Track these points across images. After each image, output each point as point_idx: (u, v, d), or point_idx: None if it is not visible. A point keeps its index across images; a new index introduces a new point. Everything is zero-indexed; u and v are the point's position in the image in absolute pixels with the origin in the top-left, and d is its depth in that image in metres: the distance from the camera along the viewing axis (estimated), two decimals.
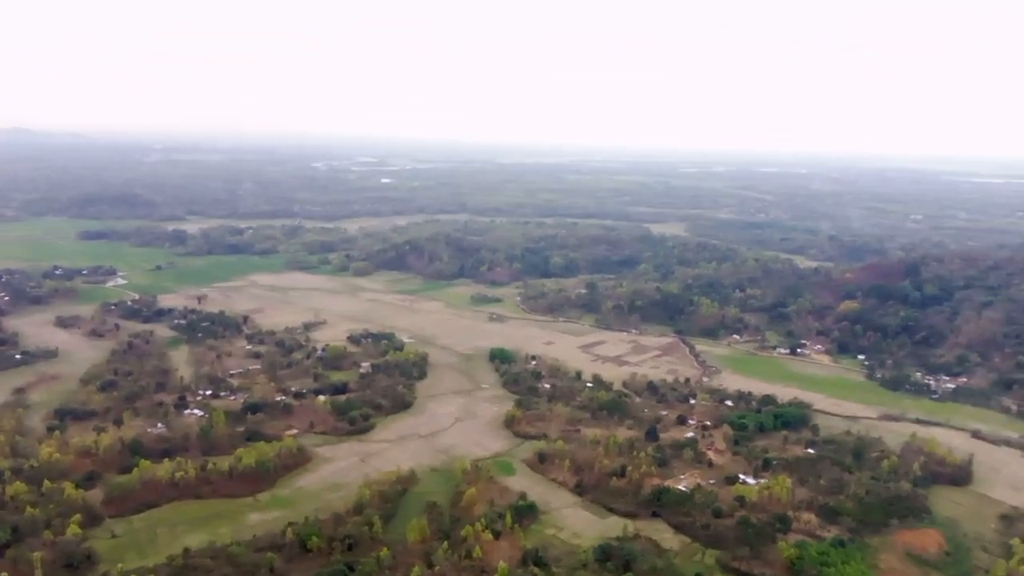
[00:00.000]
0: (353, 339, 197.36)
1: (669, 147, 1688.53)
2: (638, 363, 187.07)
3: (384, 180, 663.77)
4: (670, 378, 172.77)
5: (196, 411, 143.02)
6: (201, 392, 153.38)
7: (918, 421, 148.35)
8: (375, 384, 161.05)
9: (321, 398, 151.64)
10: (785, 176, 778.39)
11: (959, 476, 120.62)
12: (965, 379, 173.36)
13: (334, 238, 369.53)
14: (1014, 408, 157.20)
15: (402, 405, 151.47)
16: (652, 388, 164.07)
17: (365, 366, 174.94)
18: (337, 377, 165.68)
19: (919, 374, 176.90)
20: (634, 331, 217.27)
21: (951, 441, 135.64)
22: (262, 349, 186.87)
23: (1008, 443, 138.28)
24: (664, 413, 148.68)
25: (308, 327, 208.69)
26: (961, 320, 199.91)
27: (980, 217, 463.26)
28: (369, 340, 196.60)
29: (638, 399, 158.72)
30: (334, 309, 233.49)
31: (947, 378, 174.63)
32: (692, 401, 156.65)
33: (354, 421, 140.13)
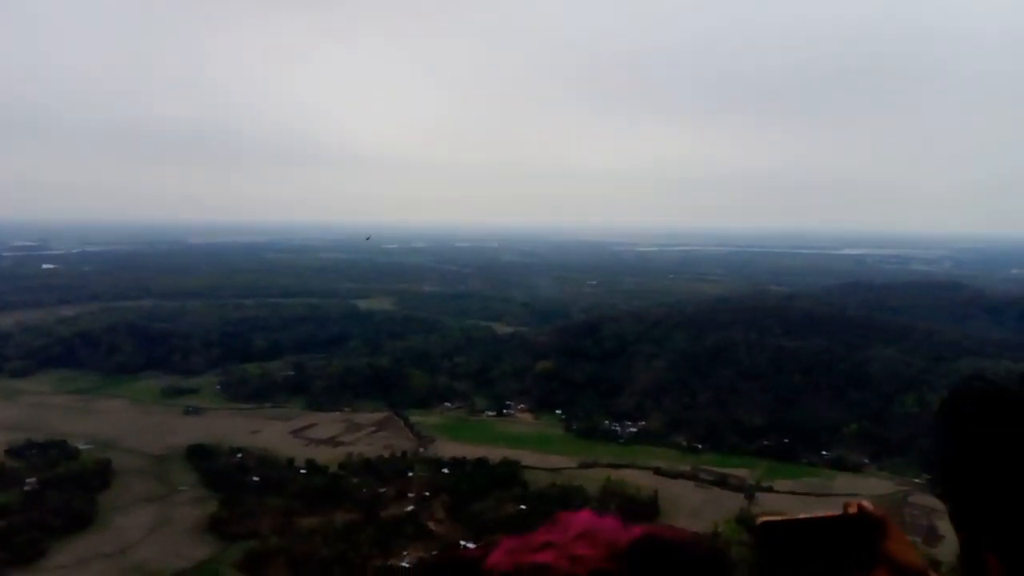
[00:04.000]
0: (13, 453, 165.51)
1: (369, 221, 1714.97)
2: (353, 442, 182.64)
3: (46, 266, 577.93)
4: (387, 453, 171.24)
5: None
6: None
7: (610, 465, 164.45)
8: (44, 503, 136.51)
9: None
10: (479, 250, 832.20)
11: (648, 510, 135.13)
12: (644, 423, 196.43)
13: None
14: (684, 444, 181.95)
15: (81, 522, 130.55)
16: (369, 466, 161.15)
17: (30, 483, 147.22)
18: None
19: (607, 422, 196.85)
20: (347, 409, 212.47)
21: (638, 480, 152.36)
22: None
23: (683, 475, 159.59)
24: (383, 490, 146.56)
25: None
26: (635, 371, 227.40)
27: (643, 280, 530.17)
28: (34, 452, 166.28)
29: (355, 479, 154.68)
30: None
31: (629, 423, 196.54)
32: (410, 474, 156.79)
33: (19, 550, 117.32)
